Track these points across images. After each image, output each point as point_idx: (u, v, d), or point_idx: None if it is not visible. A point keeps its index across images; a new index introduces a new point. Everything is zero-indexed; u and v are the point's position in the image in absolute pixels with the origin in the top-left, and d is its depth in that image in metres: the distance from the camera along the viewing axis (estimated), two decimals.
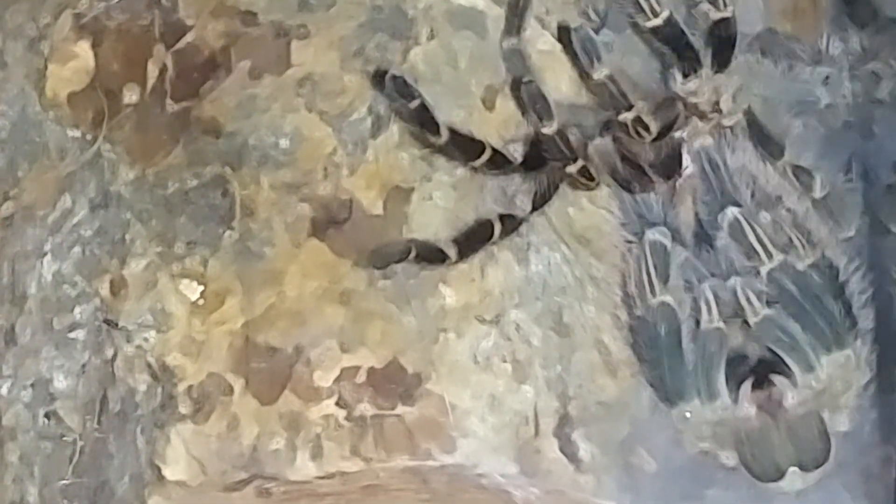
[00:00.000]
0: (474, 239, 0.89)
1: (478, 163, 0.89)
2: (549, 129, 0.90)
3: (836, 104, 0.93)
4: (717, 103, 0.91)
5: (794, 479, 0.89)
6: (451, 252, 0.88)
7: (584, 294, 0.90)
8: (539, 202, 0.91)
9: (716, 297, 0.89)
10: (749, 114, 0.91)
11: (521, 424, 0.88)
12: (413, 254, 0.87)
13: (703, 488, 0.89)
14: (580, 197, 0.92)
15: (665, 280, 0.89)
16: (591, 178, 0.91)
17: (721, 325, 0.89)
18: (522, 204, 0.91)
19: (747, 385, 0.89)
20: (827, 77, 0.93)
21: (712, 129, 0.91)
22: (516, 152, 0.90)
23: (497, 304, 0.89)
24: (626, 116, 0.89)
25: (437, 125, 0.88)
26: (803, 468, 0.89)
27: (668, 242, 0.89)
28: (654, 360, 0.89)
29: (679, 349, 0.89)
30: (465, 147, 0.89)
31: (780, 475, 0.89)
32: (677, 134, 0.91)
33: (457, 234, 0.89)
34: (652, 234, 0.89)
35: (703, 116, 0.91)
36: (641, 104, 0.89)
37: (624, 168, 0.91)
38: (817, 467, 0.89)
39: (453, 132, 0.89)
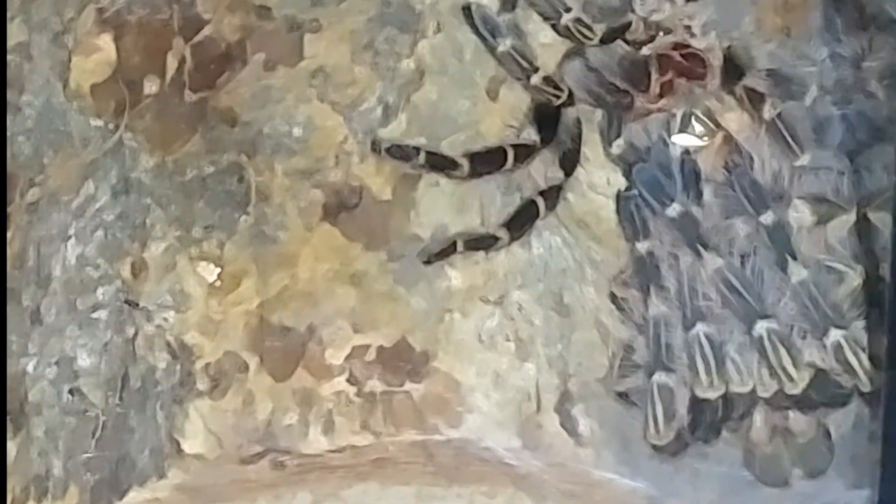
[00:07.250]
0: (523, 219, 0.91)
1: (507, 166, 0.91)
2: (503, 47, 0.92)
3: (826, 88, 0.93)
4: (688, 27, 0.92)
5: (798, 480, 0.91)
6: (503, 234, 0.90)
7: (583, 276, 0.92)
8: (570, 166, 0.92)
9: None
10: (729, 50, 0.92)
11: (523, 400, 0.89)
12: (460, 246, 0.89)
13: (697, 462, 0.90)
14: (580, 183, 0.93)
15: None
16: (560, 89, 0.92)
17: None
18: (556, 174, 0.92)
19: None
20: (812, 73, 0.93)
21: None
22: (532, 135, 0.92)
23: (501, 285, 0.91)
24: (567, 18, 0.91)
25: (453, 161, 0.90)
26: (810, 476, 0.91)
27: (673, 384, 0.89)
28: None
29: None
30: (488, 162, 0.91)
31: (786, 482, 0.90)
32: (643, 51, 0.92)
33: (505, 218, 0.90)
34: (659, 377, 0.89)
35: (667, 31, 0.93)
36: (578, 6, 0.91)
37: (598, 86, 0.92)
38: (821, 473, 0.91)
39: (471, 156, 0.90)
